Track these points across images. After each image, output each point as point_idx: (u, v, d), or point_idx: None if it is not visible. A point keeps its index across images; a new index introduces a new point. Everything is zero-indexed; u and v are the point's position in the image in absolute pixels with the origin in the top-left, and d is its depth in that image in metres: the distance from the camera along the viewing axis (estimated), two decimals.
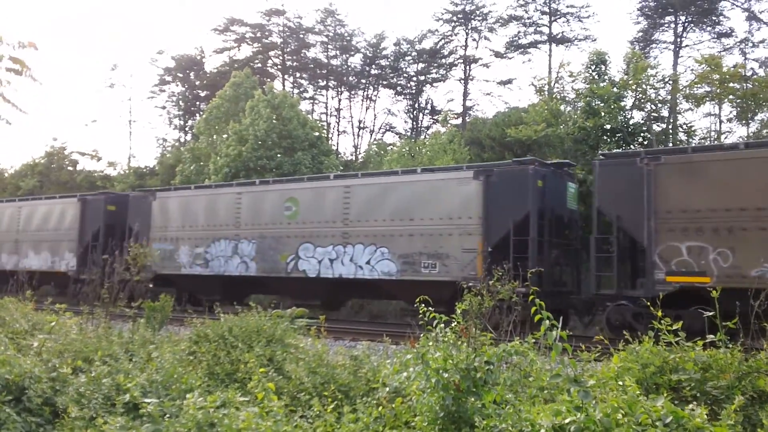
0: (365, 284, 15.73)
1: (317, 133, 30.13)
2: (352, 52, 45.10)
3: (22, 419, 4.89)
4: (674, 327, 5.12)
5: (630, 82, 22.85)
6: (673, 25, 35.15)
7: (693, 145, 22.92)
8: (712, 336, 5.10)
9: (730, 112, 26.61)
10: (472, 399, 4.12)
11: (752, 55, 34.16)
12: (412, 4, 72.26)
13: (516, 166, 14.10)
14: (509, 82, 43.31)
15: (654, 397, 3.69)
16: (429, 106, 44.86)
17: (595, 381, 4.25)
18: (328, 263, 15.81)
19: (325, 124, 42.11)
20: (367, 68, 44.79)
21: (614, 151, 18.21)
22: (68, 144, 42.20)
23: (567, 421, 3.46)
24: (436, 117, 43.28)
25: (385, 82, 45.07)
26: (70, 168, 40.57)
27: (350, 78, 45.02)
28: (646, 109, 24.25)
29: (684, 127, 25.65)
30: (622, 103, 23.09)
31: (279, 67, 45.61)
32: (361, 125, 44.95)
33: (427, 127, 44.11)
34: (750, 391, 4.63)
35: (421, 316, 5.13)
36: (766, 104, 23.52)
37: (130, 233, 18.84)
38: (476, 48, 43.54)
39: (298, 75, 45.92)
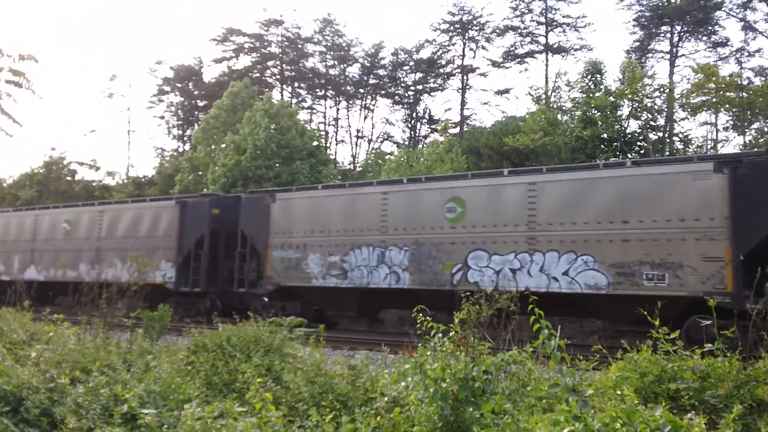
0: (559, 299, 13.06)
1: (315, 143, 30.21)
2: (350, 62, 45.32)
3: (20, 430, 4.87)
4: (672, 336, 5.13)
5: (626, 91, 22.97)
6: (669, 35, 35.40)
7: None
8: (710, 345, 5.11)
9: (727, 121, 26.75)
10: (471, 409, 4.12)
11: (748, 65, 34.35)
12: (410, 15, 72.68)
13: None
14: (506, 91, 43.56)
15: (652, 407, 3.69)
16: (427, 116, 45.06)
17: (594, 390, 4.25)
18: (509, 274, 13.35)
19: (323, 133, 42.22)
20: (365, 78, 44.98)
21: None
22: (67, 154, 42.13)
23: (565, 430, 3.45)
24: (434, 126, 43.44)
25: (383, 92, 45.26)
26: (68, 178, 40.58)
27: (348, 87, 45.19)
28: (642, 119, 24.37)
29: (680, 135, 25.77)
30: (619, 113, 23.22)
31: (277, 77, 45.78)
32: (359, 134, 45.12)
33: (425, 136, 44.28)
34: (748, 400, 4.63)
35: (419, 325, 5.13)
36: (762, 113, 23.65)
37: (244, 240, 17.44)
38: (473, 58, 43.80)
39: (296, 85, 46.10)
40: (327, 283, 15.67)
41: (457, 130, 39.38)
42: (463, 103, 42.53)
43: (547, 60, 39.52)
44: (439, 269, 14.21)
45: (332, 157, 38.70)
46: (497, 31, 41.19)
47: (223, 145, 30.13)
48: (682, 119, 26.30)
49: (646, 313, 5.56)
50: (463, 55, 42.61)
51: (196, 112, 46.91)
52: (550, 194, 13.25)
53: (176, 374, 5.93)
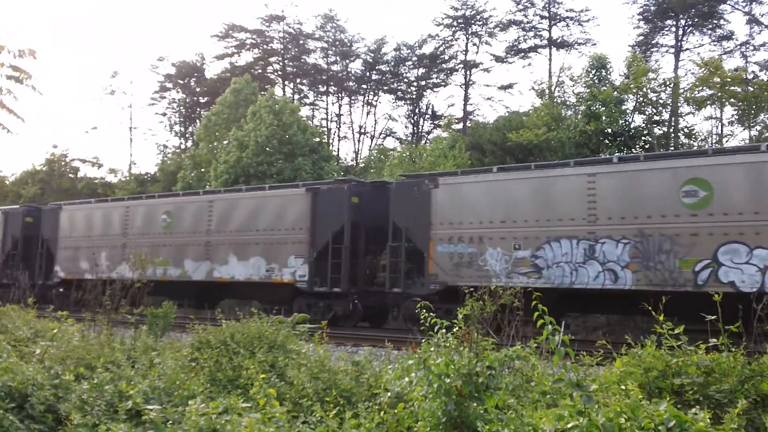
0: None
1: (318, 139, 30.21)
2: (353, 58, 45.25)
3: (25, 426, 4.88)
4: (677, 331, 5.11)
5: (631, 85, 22.88)
6: (673, 29, 35.22)
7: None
8: (714, 340, 5.09)
9: (732, 115, 26.65)
10: (475, 404, 4.12)
11: (753, 58, 34.25)
12: (412, 10, 72.52)
13: None
14: (510, 86, 43.46)
15: (657, 402, 3.68)
16: (430, 111, 45.02)
17: (598, 385, 4.25)
18: None
19: (325, 129, 42.20)
20: (368, 74, 44.92)
21: None
22: (69, 151, 42.23)
23: (569, 425, 3.45)
24: (436, 122, 43.40)
25: (385, 88, 45.21)
26: (71, 175, 40.67)
27: (350, 83, 45.15)
28: (647, 113, 24.28)
29: (685, 130, 25.67)
30: (623, 107, 23.13)
31: (279, 73, 45.76)
32: (362, 131, 45.08)
33: (428, 132, 44.24)
34: (753, 395, 4.61)
35: (422, 321, 5.13)
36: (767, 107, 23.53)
37: (395, 232, 15.20)
38: (476, 53, 43.64)
39: (298, 81, 46.08)
40: (513, 282, 12.55)
41: (460, 125, 39.32)
42: (466, 99, 42.51)
43: (550, 55, 39.42)
44: (675, 266, 11.99)
45: (334, 153, 38.71)
46: (500, 25, 41.12)
47: (225, 142, 30.16)
48: (687, 114, 26.23)
49: None
50: (466, 50, 42.55)
51: (198, 109, 46.95)
52: None
53: (180, 370, 5.94)
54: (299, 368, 6.17)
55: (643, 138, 23.43)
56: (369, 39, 51.77)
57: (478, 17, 41.54)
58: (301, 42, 45.05)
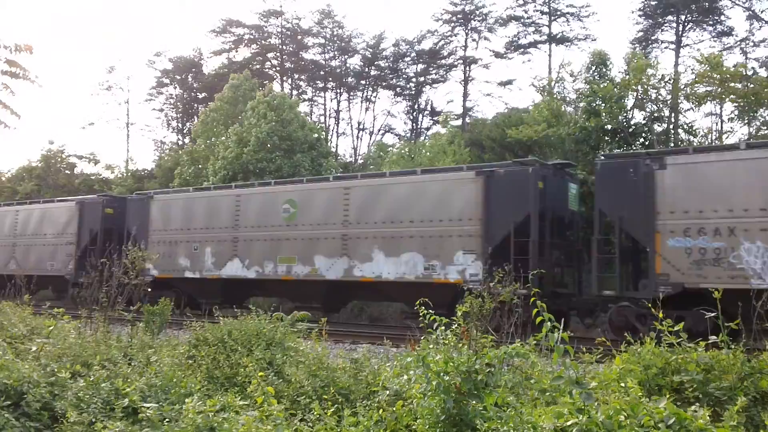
0: None
1: (316, 135, 30.14)
2: (351, 54, 45.15)
3: (21, 424, 4.86)
4: (676, 328, 5.08)
5: (631, 81, 22.83)
6: (674, 25, 35.17)
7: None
8: (714, 337, 5.07)
9: (732, 111, 26.59)
10: (474, 402, 4.09)
11: (753, 55, 34.13)
12: (411, 5, 72.36)
13: None
14: (509, 82, 43.43)
15: (656, 399, 3.66)
16: (429, 107, 44.92)
17: (597, 383, 4.23)
18: None
19: (324, 125, 42.13)
20: (366, 69, 44.81)
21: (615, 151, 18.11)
22: (65, 147, 41.94)
23: (569, 423, 3.43)
24: (435, 118, 43.32)
25: (384, 84, 45.10)
26: (67, 171, 40.55)
27: (349, 79, 45.05)
28: (647, 109, 24.23)
29: (685, 126, 25.63)
30: (623, 103, 23.08)
31: (277, 68, 45.64)
32: (361, 127, 45.00)
33: (427, 129, 44.17)
34: (753, 392, 4.60)
35: (421, 318, 5.10)
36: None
37: (603, 223, 13.04)
38: (476, 48, 43.70)
39: (296, 77, 45.96)
40: None
41: (459, 122, 39.27)
42: (465, 95, 42.41)
43: (550, 50, 39.34)
44: None
45: (333, 149, 38.65)
46: (500, 21, 41.04)
47: (223, 138, 30.10)
48: (687, 110, 26.21)
49: None
50: (466, 46, 42.46)
51: (195, 105, 46.81)
52: None
53: (177, 368, 5.92)
54: (297, 366, 6.15)
55: (643, 134, 23.38)
56: (368, 35, 51.75)
57: (478, 13, 41.47)
58: (299, 37, 44.92)
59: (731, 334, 5.13)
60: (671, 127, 25.71)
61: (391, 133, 45.86)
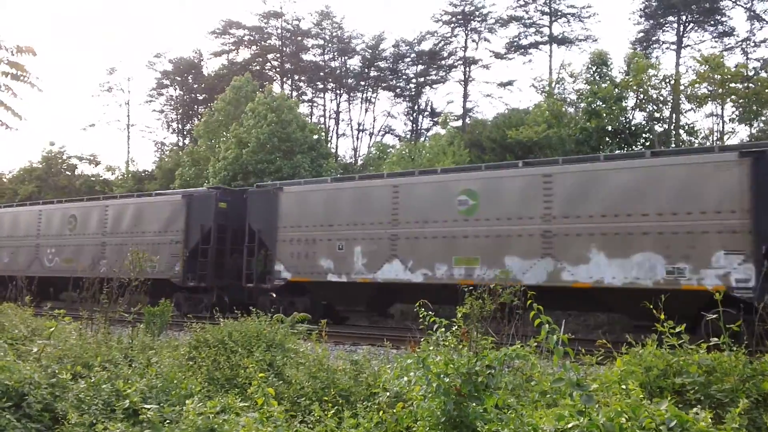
0: None
1: (316, 136, 30.17)
2: (351, 55, 45.16)
3: (22, 425, 4.85)
4: (677, 330, 5.08)
5: (631, 82, 22.84)
6: (675, 25, 35.18)
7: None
8: (716, 339, 5.06)
9: (733, 112, 26.61)
10: (474, 404, 4.09)
11: (753, 55, 34.16)
12: (411, 6, 72.37)
13: None
14: (509, 83, 43.49)
15: (658, 401, 3.66)
16: (429, 108, 44.95)
17: (598, 385, 4.22)
18: None
19: (323, 127, 42.15)
20: (366, 70, 44.83)
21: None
22: (66, 148, 41.95)
23: (570, 425, 3.42)
24: (435, 119, 43.34)
25: (384, 85, 45.12)
26: (68, 173, 40.57)
27: (349, 80, 45.06)
28: (647, 110, 24.24)
29: (686, 127, 25.64)
30: (624, 104, 23.09)
31: (277, 69, 45.66)
32: (361, 128, 45.02)
33: (427, 129, 44.20)
34: (755, 394, 4.59)
35: (421, 320, 5.10)
36: None
37: None
38: (476, 49, 43.70)
39: (296, 78, 45.99)
40: None
41: (459, 122, 39.28)
42: (465, 96, 42.44)
43: (551, 51, 39.37)
44: None
45: (333, 150, 38.66)
46: (500, 21, 41.07)
47: (223, 139, 30.14)
48: (688, 110, 26.21)
49: None
50: (466, 47, 42.49)
51: (195, 106, 46.86)
52: None
53: (178, 369, 5.92)
54: (297, 367, 6.15)
55: (644, 135, 23.39)
56: (367, 36, 51.79)
57: (478, 13, 41.49)
58: (299, 38, 44.94)
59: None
60: (672, 127, 25.72)
61: (391, 134, 45.95)
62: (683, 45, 34.89)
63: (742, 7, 33.74)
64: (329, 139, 40.52)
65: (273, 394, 4.57)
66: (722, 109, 27.87)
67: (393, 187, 15.06)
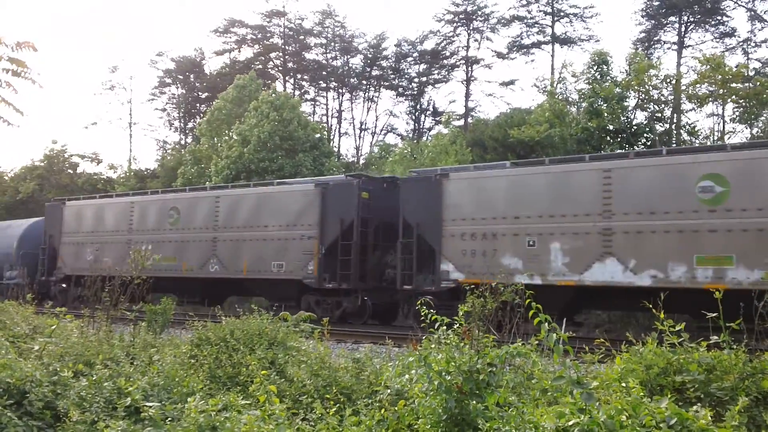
0: None
1: (318, 135, 30.19)
2: (353, 54, 45.18)
3: (24, 423, 4.87)
4: (677, 328, 5.08)
5: (632, 82, 22.83)
6: (676, 25, 35.17)
7: None
8: (716, 337, 5.06)
9: (734, 111, 26.60)
10: (475, 401, 4.10)
11: (754, 55, 34.14)
12: (413, 5, 72.33)
13: None
14: (511, 83, 43.57)
15: (658, 399, 3.66)
16: (431, 108, 44.95)
17: (599, 383, 4.23)
18: None
19: (325, 125, 42.17)
20: (368, 69, 44.83)
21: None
22: (68, 146, 42.00)
23: (570, 423, 3.43)
24: (438, 118, 43.35)
25: (386, 84, 45.13)
26: (70, 171, 40.61)
27: (351, 79, 45.07)
28: (649, 110, 24.23)
29: (687, 127, 25.63)
30: (625, 104, 23.09)
31: (280, 68, 45.69)
32: (363, 127, 45.03)
33: (429, 129, 44.21)
34: (754, 393, 4.59)
35: (423, 318, 5.11)
36: None
37: None
38: (478, 49, 43.68)
39: (299, 77, 46.02)
40: None
41: (461, 122, 39.28)
42: (467, 95, 42.45)
43: (553, 51, 39.35)
44: None
45: (335, 149, 38.68)
46: (503, 21, 41.06)
47: (225, 138, 30.16)
48: (689, 110, 26.20)
49: None
50: (468, 46, 42.48)
51: (197, 105, 46.90)
52: None
53: (180, 367, 5.93)
54: (299, 365, 6.16)
55: (645, 135, 23.38)
56: (369, 35, 51.78)
57: (480, 13, 41.49)
58: (302, 37, 44.96)
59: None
60: (673, 127, 25.70)
61: (394, 133, 45.97)
62: (684, 45, 34.89)
63: (744, 7, 33.74)
64: (331, 138, 40.55)
65: (275, 392, 4.58)
66: (723, 109, 27.88)
67: (604, 172, 12.64)
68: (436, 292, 13.87)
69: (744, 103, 24.20)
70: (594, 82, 23.56)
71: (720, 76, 22.71)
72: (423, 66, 44.17)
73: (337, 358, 6.48)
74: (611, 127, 22.75)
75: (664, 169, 12.23)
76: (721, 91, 23.44)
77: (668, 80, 23.75)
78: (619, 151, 21.52)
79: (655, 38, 36.02)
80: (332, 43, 44.84)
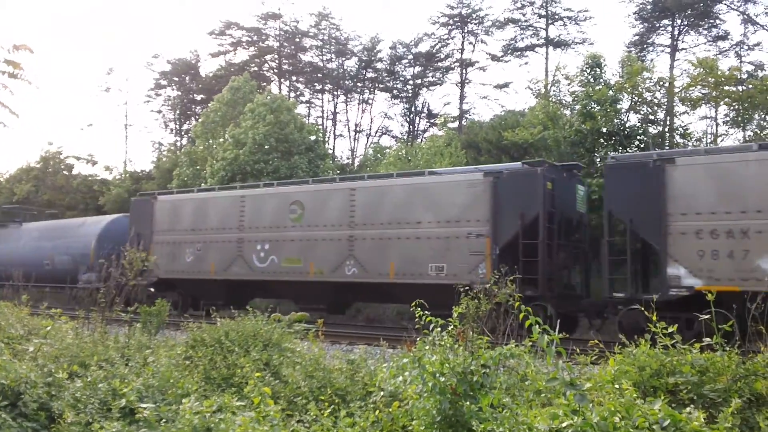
0: None
1: (314, 137, 30.17)
2: (348, 56, 45.19)
3: (18, 424, 4.86)
4: (669, 330, 5.11)
5: (626, 84, 22.93)
6: (669, 28, 35.34)
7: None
8: (708, 339, 5.09)
9: (726, 114, 26.74)
10: (469, 403, 4.12)
11: (747, 58, 34.40)
12: (408, 8, 72.44)
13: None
14: (506, 85, 43.57)
15: (651, 401, 3.69)
16: (425, 110, 44.98)
17: (592, 384, 4.25)
18: None
19: (321, 127, 42.16)
20: (363, 72, 44.85)
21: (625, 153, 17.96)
22: (64, 148, 41.83)
23: (564, 424, 3.45)
24: (432, 120, 43.38)
25: (381, 86, 45.15)
26: (65, 172, 40.46)
27: (346, 81, 45.08)
28: (642, 112, 24.33)
29: (680, 129, 25.74)
30: (618, 106, 23.17)
31: (275, 70, 45.66)
32: (358, 129, 45.02)
33: (424, 131, 44.23)
34: (747, 394, 4.62)
35: (417, 319, 5.12)
36: (763, 107, 23.60)
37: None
38: (473, 51, 43.68)
39: (294, 79, 45.99)
40: None
41: (456, 124, 39.33)
42: (462, 98, 42.49)
43: (547, 53, 39.42)
44: None
45: (330, 151, 38.68)
46: (497, 23, 41.12)
47: (221, 140, 30.11)
48: (682, 113, 26.30)
49: None
50: (462, 49, 42.53)
51: (193, 107, 46.82)
52: None
53: (174, 369, 5.92)
54: (294, 367, 6.16)
55: (638, 137, 23.46)
56: (364, 37, 51.82)
57: (475, 16, 41.56)
58: (297, 39, 44.94)
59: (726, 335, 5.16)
60: (666, 130, 25.81)
61: (388, 135, 45.96)
62: (678, 48, 35.05)
63: (736, 11, 33.94)
64: (326, 139, 40.53)
65: (269, 393, 4.59)
66: (716, 111, 28.03)
67: None
68: (660, 302, 10.42)
69: (737, 106, 24.34)
70: (587, 85, 23.64)
71: (713, 79, 22.83)
72: (418, 68, 44.22)
73: (332, 359, 6.49)
74: (605, 130, 22.82)
75: None
76: (714, 93, 23.56)
77: (661, 83, 23.86)
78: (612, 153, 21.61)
79: (649, 41, 36.17)
80: (327, 45, 44.84)
